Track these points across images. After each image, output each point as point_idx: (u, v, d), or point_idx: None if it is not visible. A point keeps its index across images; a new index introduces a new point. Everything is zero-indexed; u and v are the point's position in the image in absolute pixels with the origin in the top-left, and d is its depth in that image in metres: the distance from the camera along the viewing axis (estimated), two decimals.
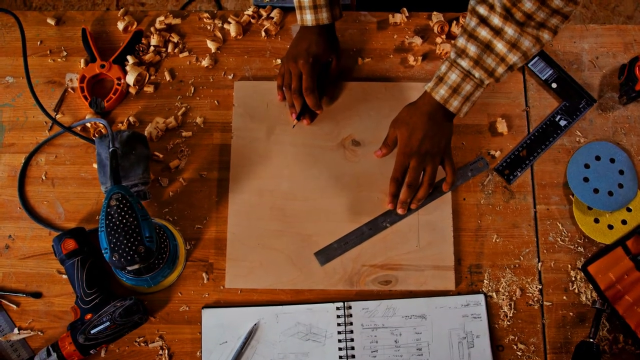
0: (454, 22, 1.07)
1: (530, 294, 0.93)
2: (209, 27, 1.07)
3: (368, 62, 1.05)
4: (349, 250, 0.94)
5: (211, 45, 1.05)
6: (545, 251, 0.95)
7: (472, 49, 0.87)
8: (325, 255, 0.94)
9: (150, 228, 0.82)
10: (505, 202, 0.98)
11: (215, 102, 1.02)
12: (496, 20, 0.85)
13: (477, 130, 1.01)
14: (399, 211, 0.94)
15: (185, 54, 1.05)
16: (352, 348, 0.90)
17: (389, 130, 0.95)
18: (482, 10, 0.85)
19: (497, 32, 0.85)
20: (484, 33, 0.86)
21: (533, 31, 0.85)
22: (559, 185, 0.98)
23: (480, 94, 0.90)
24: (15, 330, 0.92)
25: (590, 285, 0.93)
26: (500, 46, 0.86)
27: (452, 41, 1.05)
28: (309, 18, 0.96)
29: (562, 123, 1.01)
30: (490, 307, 0.93)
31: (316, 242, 0.95)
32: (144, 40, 1.05)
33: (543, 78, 1.02)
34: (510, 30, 0.84)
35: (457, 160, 0.99)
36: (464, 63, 0.88)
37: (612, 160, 0.98)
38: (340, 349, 0.90)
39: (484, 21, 0.86)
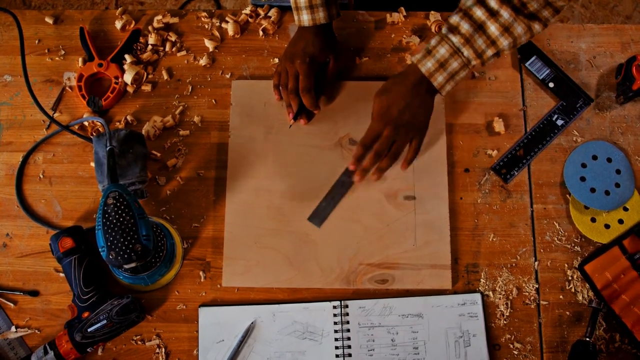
0: None
1: (527, 293, 0.93)
2: (206, 26, 1.07)
3: (366, 62, 1.05)
4: (338, 205, 0.96)
5: (209, 44, 1.05)
6: (542, 250, 0.95)
7: (465, 27, 0.86)
8: (318, 216, 0.94)
9: (147, 226, 0.82)
10: (502, 201, 0.98)
11: (213, 101, 1.03)
12: (493, 3, 0.84)
13: (474, 129, 1.01)
14: (356, 178, 0.94)
15: (183, 52, 1.05)
16: (349, 347, 0.91)
17: (374, 101, 0.94)
18: None
19: (493, 14, 0.85)
20: (479, 13, 0.85)
21: (525, 19, 0.85)
22: (556, 185, 0.98)
23: (464, 75, 0.90)
24: (13, 329, 0.92)
25: (587, 285, 0.93)
26: (493, 28, 0.85)
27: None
28: (305, 18, 0.95)
29: (559, 122, 1.01)
30: (487, 306, 0.93)
31: (313, 241, 0.95)
32: (141, 39, 1.05)
33: (540, 77, 1.03)
34: (505, 14, 0.84)
35: (455, 159, 0.99)
36: (455, 39, 0.87)
37: (609, 160, 0.98)
38: (337, 347, 0.91)
39: (480, 1, 0.85)
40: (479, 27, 0.86)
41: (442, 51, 0.88)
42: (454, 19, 0.87)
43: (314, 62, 0.97)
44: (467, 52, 0.87)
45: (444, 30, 0.88)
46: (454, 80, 0.90)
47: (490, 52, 0.87)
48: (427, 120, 0.94)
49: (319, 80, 0.99)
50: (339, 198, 0.95)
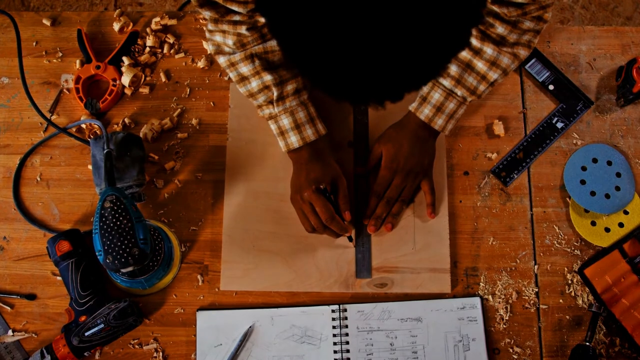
0: None
1: (527, 297, 0.93)
2: (204, 28, 1.06)
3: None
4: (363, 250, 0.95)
5: (207, 46, 1.04)
6: (541, 254, 0.95)
7: (453, 69, 0.89)
8: (366, 268, 0.93)
9: (145, 230, 0.82)
10: (502, 204, 0.97)
11: (211, 103, 1.02)
12: (474, 42, 0.87)
13: (473, 132, 1.00)
14: (370, 229, 0.93)
15: (181, 55, 1.04)
16: (348, 351, 0.90)
17: (374, 147, 0.96)
18: None
19: (477, 52, 0.88)
20: (463, 53, 0.88)
21: (509, 49, 0.87)
22: (556, 188, 0.98)
23: (463, 111, 0.92)
24: (10, 332, 0.92)
25: (587, 289, 0.93)
26: (480, 65, 0.88)
27: None
28: (294, 140, 0.90)
29: (559, 125, 1.00)
30: (487, 310, 0.92)
31: (311, 245, 0.94)
32: (139, 41, 1.05)
33: (540, 80, 1.02)
34: (489, 50, 0.87)
35: (453, 162, 0.99)
36: (446, 82, 0.89)
37: (609, 163, 0.98)
38: (335, 351, 0.90)
39: None
40: (467, 66, 0.89)
41: (437, 96, 0.90)
42: None
43: (323, 185, 0.90)
44: (460, 91, 0.90)
45: None
46: (453, 118, 0.92)
47: (482, 87, 0.90)
48: (432, 162, 0.95)
49: (335, 202, 0.91)
50: (369, 243, 0.94)
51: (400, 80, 0.53)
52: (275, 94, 0.89)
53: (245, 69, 0.89)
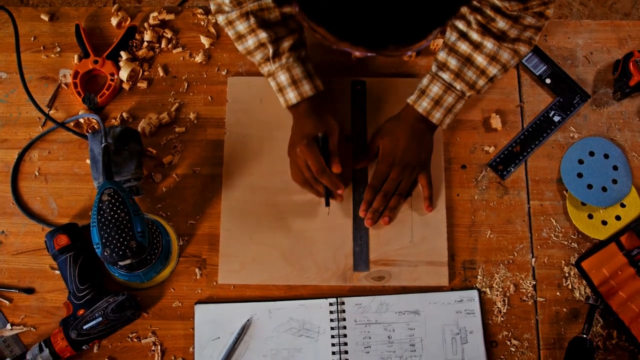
0: None
1: (524, 290, 0.93)
2: (202, 23, 1.07)
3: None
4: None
5: (205, 41, 1.05)
6: (539, 247, 0.95)
7: (452, 62, 0.89)
8: (363, 262, 0.93)
9: (142, 223, 0.82)
10: (499, 197, 0.97)
11: (209, 97, 1.02)
12: (475, 36, 0.87)
13: (471, 125, 1.01)
14: (367, 222, 0.93)
15: (179, 49, 1.05)
16: (345, 344, 0.90)
17: (371, 140, 0.96)
18: (460, 25, 0.88)
19: (477, 46, 0.88)
20: (464, 47, 0.88)
21: (509, 45, 0.87)
22: (553, 181, 0.98)
23: (462, 106, 0.92)
24: (8, 326, 0.92)
25: (584, 281, 0.93)
26: (480, 59, 0.88)
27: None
28: (292, 95, 0.91)
29: (556, 119, 1.00)
30: (484, 303, 0.92)
31: (309, 238, 0.94)
32: (137, 36, 1.05)
33: (537, 74, 1.02)
34: (489, 44, 0.87)
35: (451, 155, 0.99)
36: (445, 76, 0.90)
37: (606, 156, 0.98)
38: (333, 344, 0.90)
39: (463, 36, 0.88)
40: (467, 60, 0.89)
41: (435, 89, 0.90)
42: (441, 55, 0.90)
43: (316, 140, 0.91)
44: (459, 85, 0.90)
45: (433, 68, 0.91)
46: (452, 113, 0.92)
47: (482, 82, 0.90)
48: (430, 156, 0.95)
49: (325, 156, 0.91)
50: (366, 239, 0.94)
51: (417, 15, 0.53)
52: (271, 51, 0.90)
53: (241, 26, 0.90)
